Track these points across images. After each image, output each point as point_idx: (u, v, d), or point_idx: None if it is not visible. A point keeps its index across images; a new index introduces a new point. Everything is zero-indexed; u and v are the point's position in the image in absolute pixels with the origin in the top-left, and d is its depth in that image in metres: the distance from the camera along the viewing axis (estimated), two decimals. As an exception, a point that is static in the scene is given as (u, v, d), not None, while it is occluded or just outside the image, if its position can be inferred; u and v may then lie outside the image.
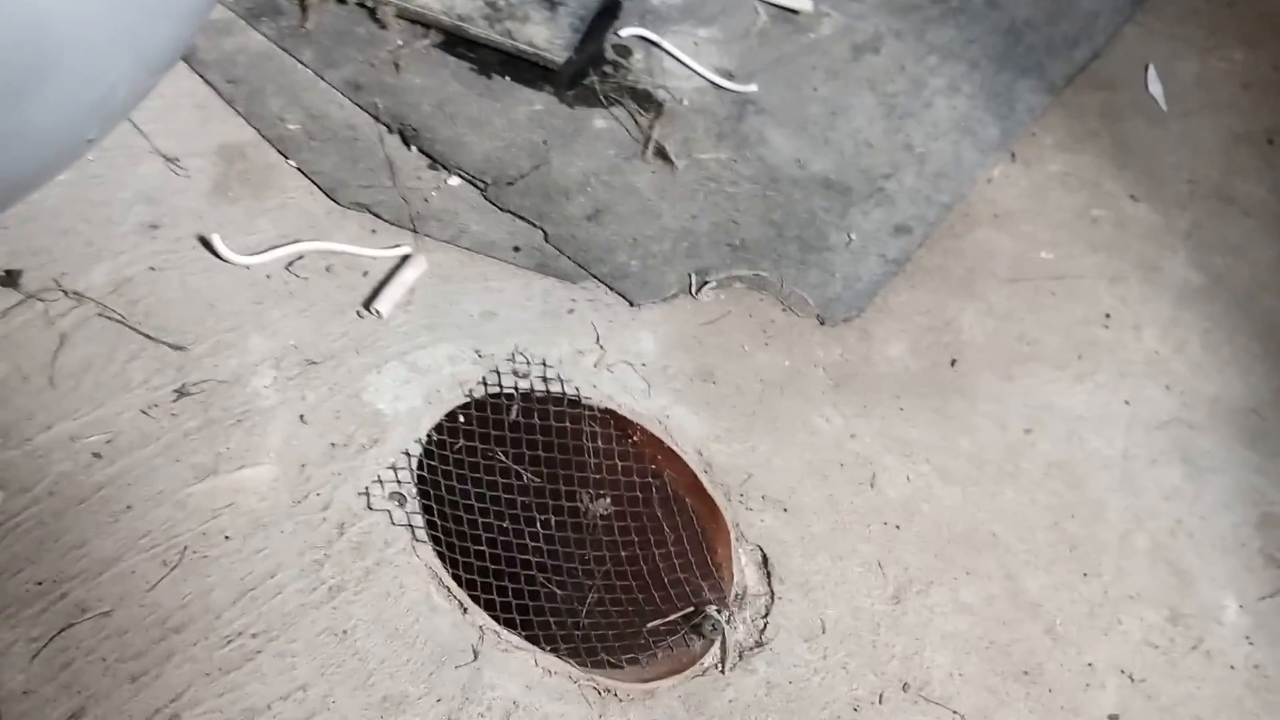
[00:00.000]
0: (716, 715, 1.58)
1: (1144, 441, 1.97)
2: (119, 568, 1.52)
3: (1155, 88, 2.54)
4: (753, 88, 2.29)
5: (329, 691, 1.48)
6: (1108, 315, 2.13)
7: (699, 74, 2.28)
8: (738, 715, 1.59)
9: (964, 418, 1.94)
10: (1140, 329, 2.13)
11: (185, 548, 1.56)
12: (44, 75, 1.26)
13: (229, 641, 1.49)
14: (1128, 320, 2.13)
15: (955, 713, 1.64)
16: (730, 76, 2.30)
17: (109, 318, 1.73)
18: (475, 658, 1.56)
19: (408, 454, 1.72)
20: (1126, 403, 2.01)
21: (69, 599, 1.48)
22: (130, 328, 1.72)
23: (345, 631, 1.54)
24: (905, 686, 1.65)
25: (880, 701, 1.63)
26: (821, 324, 2.01)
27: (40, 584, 1.49)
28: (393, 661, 1.53)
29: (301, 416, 1.71)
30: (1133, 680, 1.71)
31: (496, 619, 1.63)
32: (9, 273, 1.72)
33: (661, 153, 2.14)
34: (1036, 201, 2.28)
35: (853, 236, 2.13)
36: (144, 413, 1.66)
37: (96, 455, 1.61)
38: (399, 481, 1.69)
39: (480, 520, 1.73)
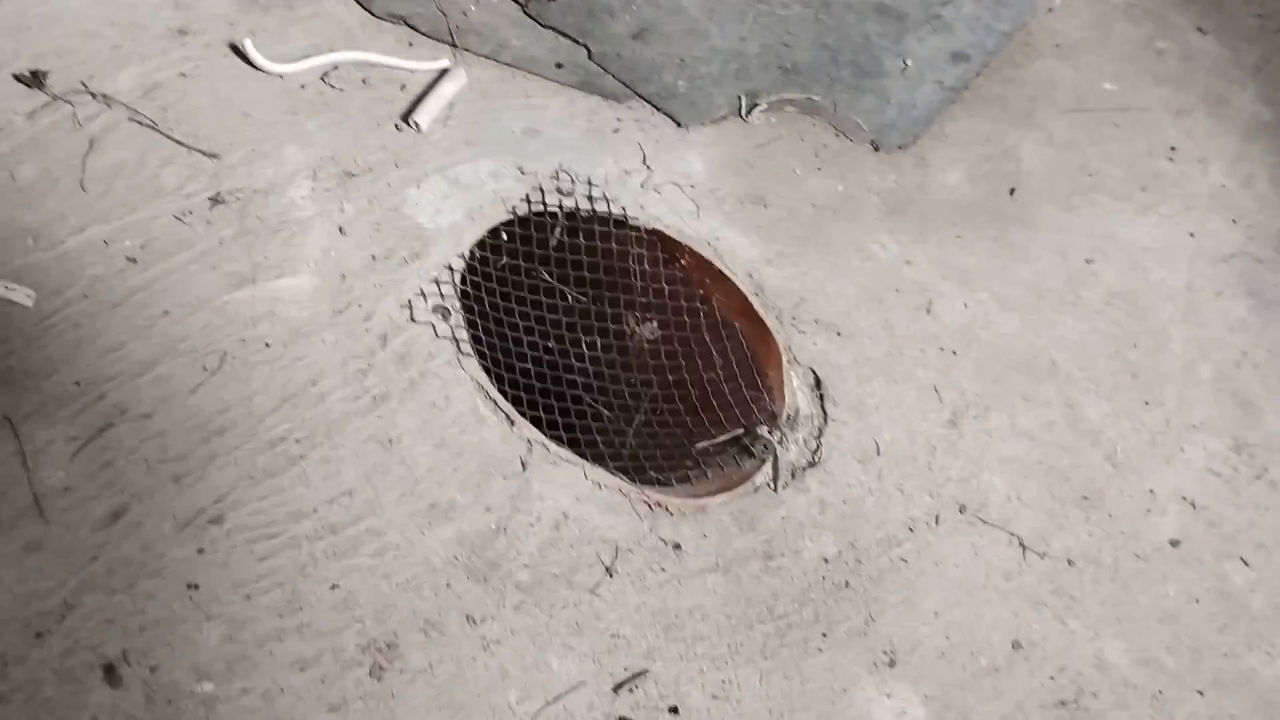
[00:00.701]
0: (769, 531, 1.55)
1: (1209, 274, 1.90)
2: (157, 371, 1.47)
3: (1224, -80, 2.41)
4: (804, -92, 2.17)
5: (375, 497, 1.45)
6: (1173, 148, 2.05)
7: (748, -108, 2.16)
8: (790, 532, 1.55)
9: (1023, 247, 1.87)
10: (1206, 163, 2.04)
11: (225, 354, 1.51)
12: None
13: (272, 446, 1.45)
14: (1193, 154, 2.05)
15: (1013, 534, 1.60)
16: (781, -104, 2.18)
17: (139, 122, 1.66)
18: (524, 469, 1.52)
19: (450, 269, 1.66)
20: (1191, 235, 1.94)
21: (107, 400, 1.44)
22: (161, 133, 1.66)
23: (391, 440, 1.49)
24: (962, 509, 1.61)
25: (936, 523, 1.59)
26: (876, 150, 1.93)
27: (78, 384, 1.44)
28: (440, 470, 1.49)
29: (340, 228, 1.65)
30: (1194, 507, 1.67)
31: (543, 434, 1.59)
32: (34, 73, 1.65)
33: (710, -28, 2.04)
34: (1100, 32, 2.18)
35: (909, 63, 2.03)
36: (178, 219, 1.60)
37: (130, 260, 1.55)
38: (442, 295, 1.63)
39: (525, 338, 1.67)
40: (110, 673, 1.26)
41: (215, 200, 1.62)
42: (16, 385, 1.42)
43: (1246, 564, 1.62)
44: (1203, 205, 1.98)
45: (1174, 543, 1.63)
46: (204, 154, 1.66)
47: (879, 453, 1.64)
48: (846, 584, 1.52)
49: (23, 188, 1.57)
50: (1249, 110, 2.14)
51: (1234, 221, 1.97)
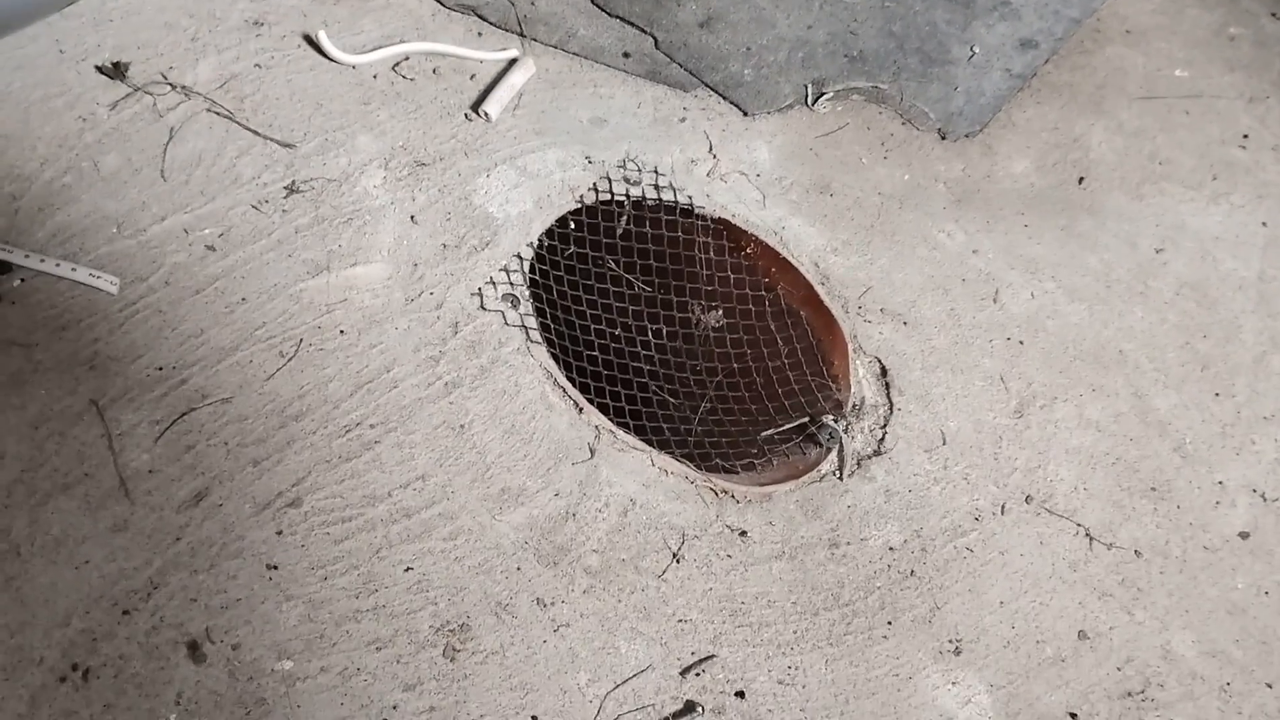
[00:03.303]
0: (835, 519, 1.56)
1: (1282, 264, 1.88)
2: (237, 357, 1.51)
3: (1301, -98, 2.37)
4: (871, -106, 2.17)
5: (447, 482, 1.47)
6: (1245, 135, 2.02)
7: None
8: (856, 520, 1.56)
9: (1092, 236, 1.86)
10: (1280, 150, 2.01)
11: (301, 340, 1.54)
12: None
13: (348, 431, 1.48)
14: (1266, 141, 2.02)
15: (1080, 525, 1.59)
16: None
17: (217, 113, 1.69)
18: (592, 455, 1.54)
19: (519, 257, 1.68)
20: (1264, 224, 1.91)
21: (189, 385, 1.48)
22: (238, 124, 1.69)
23: (463, 426, 1.52)
24: (1028, 499, 1.61)
25: (1002, 512, 1.59)
26: (943, 138, 1.92)
27: (160, 369, 1.48)
28: (510, 456, 1.51)
29: (412, 217, 1.67)
30: (1265, 500, 1.65)
31: (610, 421, 1.61)
32: (116, 65, 1.69)
33: (776, -41, 2.04)
34: (1171, 18, 2.15)
35: (976, 50, 2.02)
36: (255, 208, 1.63)
37: (210, 248, 1.59)
38: (511, 284, 1.66)
39: (592, 326, 1.69)
40: (194, 650, 1.30)
41: (291, 189, 1.66)
42: (102, 370, 1.47)
43: (1318, 558, 1.60)
44: (1276, 194, 1.95)
45: (1243, 535, 1.62)
46: (279, 144, 1.69)
47: (945, 442, 1.65)
48: (912, 572, 1.53)
49: (106, 177, 1.61)
50: (1324, 97, 2.11)
51: (1308, 210, 1.95)
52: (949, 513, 1.59)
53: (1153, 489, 1.64)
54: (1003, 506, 1.60)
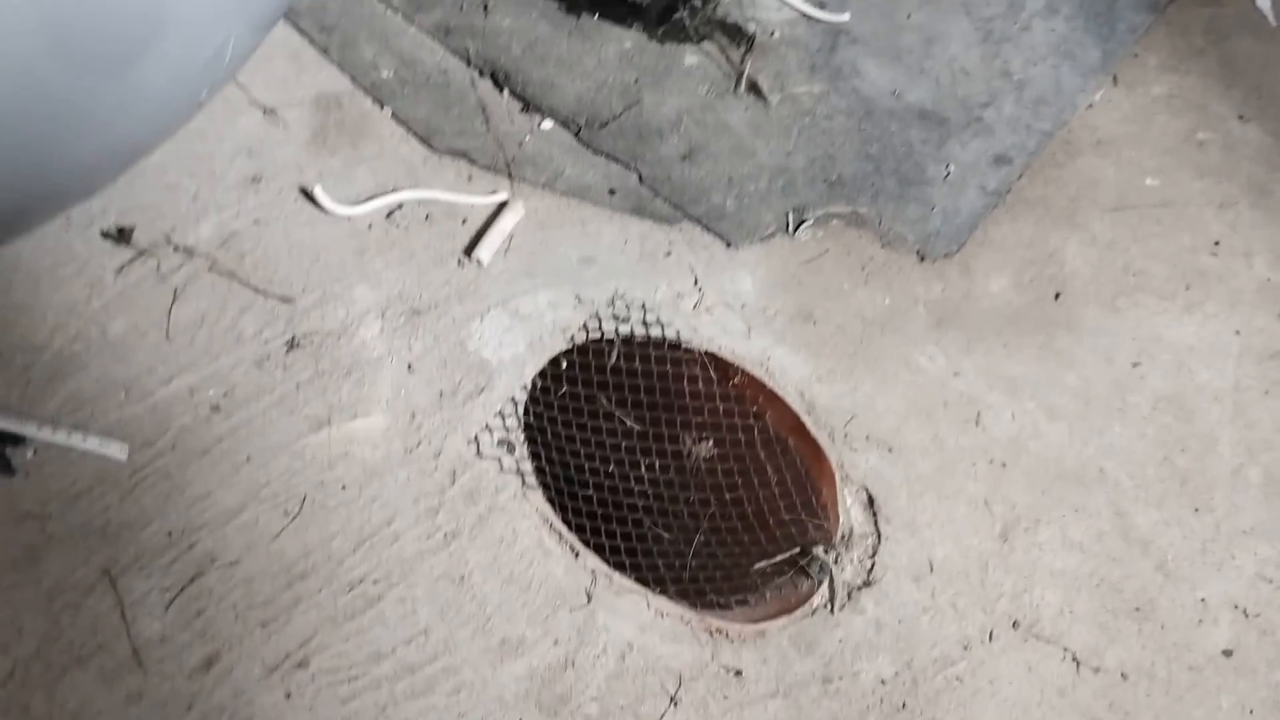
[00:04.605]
0: (827, 655, 1.60)
1: (1256, 372, 1.93)
2: (243, 518, 1.57)
3: (1263, 1, 2.44)
4: (845, 17, 2.24)
5: (449, 635, 1.52)
6: (1216, 243, 2.08)
7: (790, 4, 2.24)
8: (848, 654, 1.60)
9: (1069, 352, 1.91)
10: (1251, 256, 2.07)
11: (305, 497, 1.60)
12: (156, 38, 1.28)
13: (352, 588, 1.54)
14: (1238, 247, 2.07)
15: (1066, 649, 1.64)
16: (821, 6, 2.25)
17: (219, 272, 1.76)
18: (589, 601, 1.59)
19: (514, 400, 1.74)
20: (1237, 333, 1.97)
21: (198, 549, 1.53)
22: (240, 281, 1.76)
23: (463, 577, 1.57)
24: (1015, 624, 1.65)
25: (990, 639, 1.64)
26: (921, 259, 1.98)
27: (170, 534, 1.54)
28: (510, 605, 1.56)
29: (409, 366, 1.74)
30: (1247, 615, 1.69)
31: (606, 563, 1.66)
32: (121, 230, 1.76)
33: (754, 88, 2.11)
34: (1140, 126, 2.21)
35: (951, 168, 2.09)
36: (257, 365, 1.69)
37: (215, 408, 1.65)
38: (506, 428, 1.72)
39: (586, 465, 1.75)
40: (209, 821, 1.35)
41: (291, 345, 1.72)
42: (114, 538, 1.52)
43: (1300, 674, 1.64)
44: (1248, 301, 2.01)
45: (1226, 653, 1.66)
46: (279, 299, 1.75)
47: (932, 570, 1.69)
48: (903, 705, 1.57)
49: (114, 342, 1.67)
50: (1293, 199, 2.17)
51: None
52: (938, 642, 1.63)
53: (1137, 609, 1.69)
54: (990, 633, 1.64)
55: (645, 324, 1.85)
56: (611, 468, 1.76)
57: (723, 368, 1.85)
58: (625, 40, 2.14)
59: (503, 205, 1.91)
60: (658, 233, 1.95)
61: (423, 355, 1.75)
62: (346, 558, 1.56)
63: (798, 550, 1.71)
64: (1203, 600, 1.71)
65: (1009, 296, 1.97)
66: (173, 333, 1.69)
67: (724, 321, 1.87)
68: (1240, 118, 2.26)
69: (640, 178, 1.99)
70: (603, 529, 1.69)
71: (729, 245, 1.95)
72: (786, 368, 1.84)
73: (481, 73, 2.05)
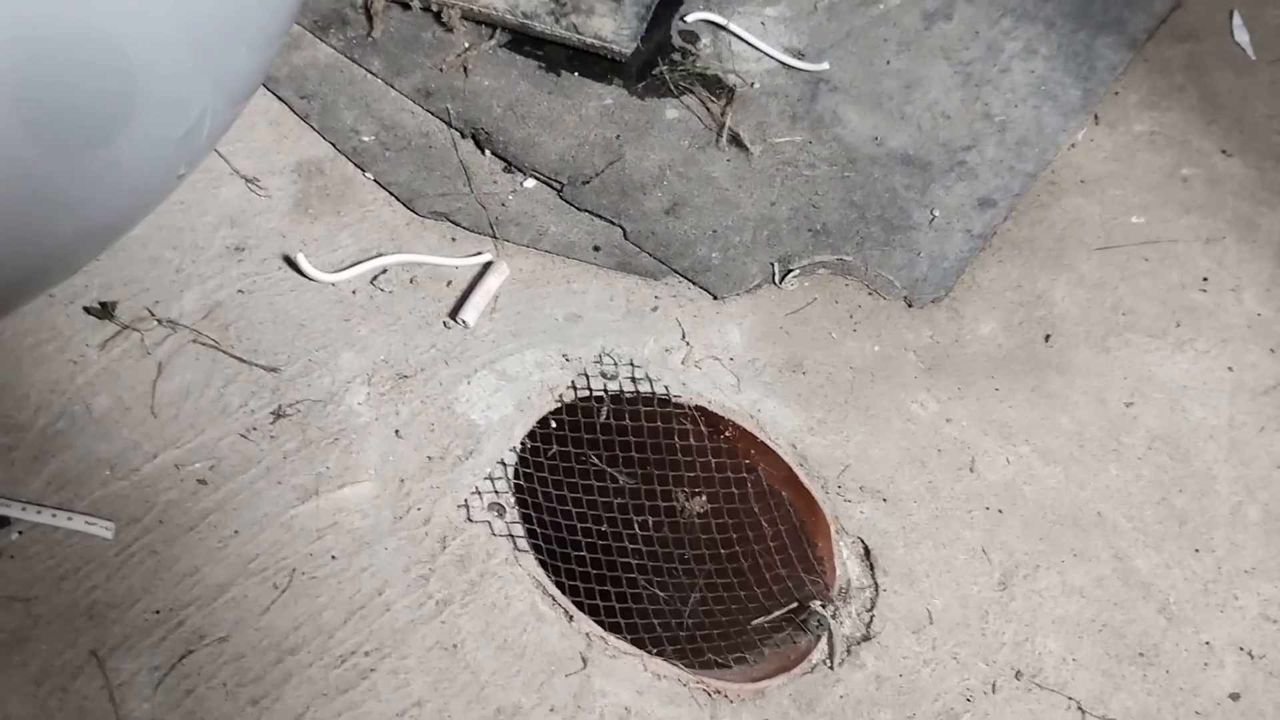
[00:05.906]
0: (829, 713, 1.58)
1: (1250, 408, 1.92)
2: (232, 593, 1.55)
3: (1241, 35, 2.45)
4: (824, 66, 2.25)
5: (443, 706, 1.50)
6: (1205, 279, 2.07)
7: (769, 55, 2.25)
8: (849, 711, 1.58)
9: (1062, 395, 1.90)
10: (1240, 291, 2.06)
11: (294, 570, 1.58)
12: (131, 112, 1.27)
13: (343, 661, 1.52)
14: (1226, 283, 2.07)
15: (1070, 699, 1.61)
16: (800, 55, 2.26)
17: (203, 344, 1.75)
18: (584, 665, 1.57)
19: (503, 463, 1.73)
20: (1230, 369, 1.96)
21: (186, 626, 1.51)
22: (224, 352, 1.75)
23: (455, 645, 1.55)
24: (1018, 674, 1.63)
25: (993, 691, 1.61)
26: (909, 306, 1.97)
27: (158, 613, 1.52)
28: (504, 673, 1.54)
29: (397, 431, 1.72)
30: (1253, 657, 1.67)
31: (601, 624, 1.64)
32: (104, 304, 1.75)
33: (736, 140, 2.12)
34: (1123, 164, 2.22)
35: (936, 213, 2.09)
36: (243, 436, 1.68)
37: (201, 482, 1.63)
38: (496, 492, 1.70)
39: (579, 525, 1.73)
40: None
41: (277, 414, 1.71)
42: (100, 618, 1.50)
43: (1309, 716, 1.62)
44: (1239, 336, 2.00)
45: (1234, 696, 1.64)
46: (264, 369, 1.74)
47: (931, 621, 1.67)
48: (908, 762, 1.55)
49: (98, 418, 1.66)
50: (1279, 231, 2.16)
51: (1272, 351, 1.99)
52: (940, 695, 1.61)
53: (1141, 654, 1.66)
54: (993, 684, 1.62)
55: (634, 380, 1.84)
56: (604, 527, 1.75)
57: (713, 421, 1.84)
58: (605, 96, 2.14)
59: (487, 266, 1.90)
60: (644, 288, 1.94)
61: (410, 420, 1.74)
62: (337, 630, 1.54)
63: (795, 605, 1.69)
64: (1207, 643, 1.68)
65: (999, 340, 1.96)
66: (158, 407, 1.68)
67: (713, 375, 1.86)
68: (1223, 152, 2.27)
69: (625, 233, 1.98)
70: (596, 589, 1.67)
71: (715, 298, 1.94)
72: (777, 419, 1.83)
73: (463, 134, 2.05)
